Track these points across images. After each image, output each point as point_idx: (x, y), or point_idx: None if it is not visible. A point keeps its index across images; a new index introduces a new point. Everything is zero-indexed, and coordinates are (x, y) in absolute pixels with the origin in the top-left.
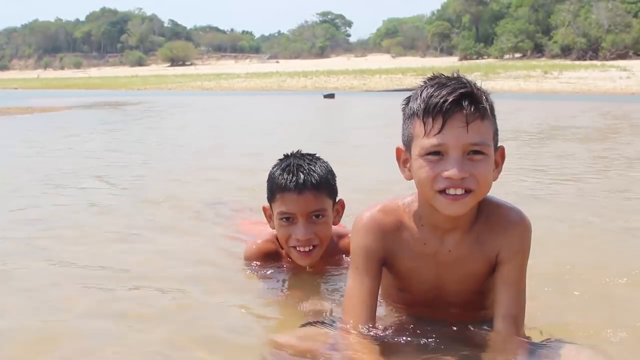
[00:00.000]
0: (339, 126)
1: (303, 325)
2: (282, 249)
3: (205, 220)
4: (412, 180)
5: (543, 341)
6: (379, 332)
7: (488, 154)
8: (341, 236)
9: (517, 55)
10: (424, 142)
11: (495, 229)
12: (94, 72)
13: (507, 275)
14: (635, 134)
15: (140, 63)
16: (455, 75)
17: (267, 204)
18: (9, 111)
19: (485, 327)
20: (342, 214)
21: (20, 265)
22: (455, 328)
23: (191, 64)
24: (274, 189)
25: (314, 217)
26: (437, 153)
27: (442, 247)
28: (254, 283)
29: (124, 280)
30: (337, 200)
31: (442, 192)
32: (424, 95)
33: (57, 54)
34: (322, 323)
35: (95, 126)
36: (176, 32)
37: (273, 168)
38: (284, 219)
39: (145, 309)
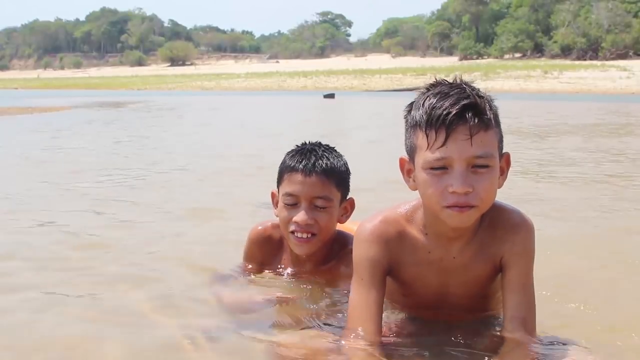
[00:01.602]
0: (340, 125)
1: (304, 328)
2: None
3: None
4: (412, 187)
5: (550, 344)
6: (385, 338)
7: (493, 165)
8: (343, 244)
9: (517, 55)
10: (428, 155)
11: (498, 233)
12: (94, 72)
13: (512, 279)
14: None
15: (140, 63)
16: (458, 80)
17: (275, 190)
18: (9, 111)
19: (489, 329)
20: (350, 214)
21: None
22: (458, 330)
23: (191, 64)
24: (283, 170)
25: (318, 203)
26: (441, 167)
27: (446, 254)
28: (255, 283)
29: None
30: (347, 198)
31: (449, 206)
32: (426, 105)
33: (57, 54)
34: (325, 327)
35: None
36: (176, 32)
37: (287, 153)
38: (288, 202)
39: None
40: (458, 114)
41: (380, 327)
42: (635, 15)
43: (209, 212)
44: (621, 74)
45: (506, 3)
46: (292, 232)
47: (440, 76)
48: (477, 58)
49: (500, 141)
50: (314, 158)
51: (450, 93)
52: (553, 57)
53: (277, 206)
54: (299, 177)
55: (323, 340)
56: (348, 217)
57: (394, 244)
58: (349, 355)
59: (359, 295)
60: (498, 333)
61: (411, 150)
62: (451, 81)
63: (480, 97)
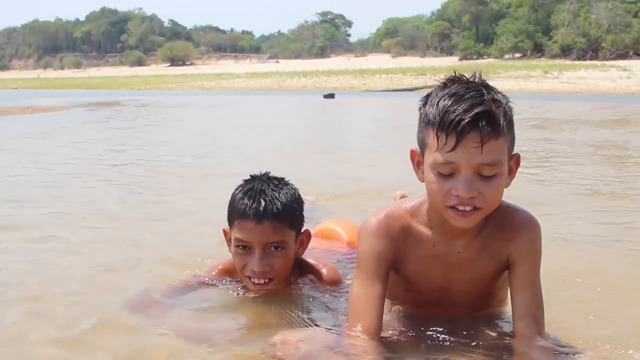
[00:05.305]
0: (341, 125)
1: (304, 327)
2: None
3: None
4: (421, 179)
5: (558, 345)
6: (386, 335)
7: (500, 172)
8: (300, 266)
9: (517, 55)
10: (436, 156)
11: (505, 232)
12: (93, 72)
13: (520, 277)
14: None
15: (140, 63)
16: (477, 78)
17: (227, 227)
18: (9, 111)
19: (490, 327)
20: (307, 245)
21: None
22: (459, 328)
23: (191, 64)
24: (233, 213)
25: (272, 248)
26: (448, 170)
27: (451, 248)
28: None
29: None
30: (302, 231)
31: (452, 207)
32: (440, 106)
33: (57, 53)
34: (322, 324)
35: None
36: (176, 32)
37: (236, 190)
38: (240, 247)
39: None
40: (470, 121)
41: (381, 322)
42: (635, 15)
43: None
44: (621, 74)
45: (506, 3)
46: (249, 277)
47: (440, 76)
48: (477, 58)
49: (512, 145)
50: (263, 202)
51: (466, 96)
52: (553, 57)
53: (230, 244)
54: (249, 224)
55: (322, 338)
56: (305, 249)
57: (399, 239)
58: (350, 352)
59: (363, 288)
60: (499, 331)
61: (422, 145)
62: (469, 77)
63: (496, 101)
